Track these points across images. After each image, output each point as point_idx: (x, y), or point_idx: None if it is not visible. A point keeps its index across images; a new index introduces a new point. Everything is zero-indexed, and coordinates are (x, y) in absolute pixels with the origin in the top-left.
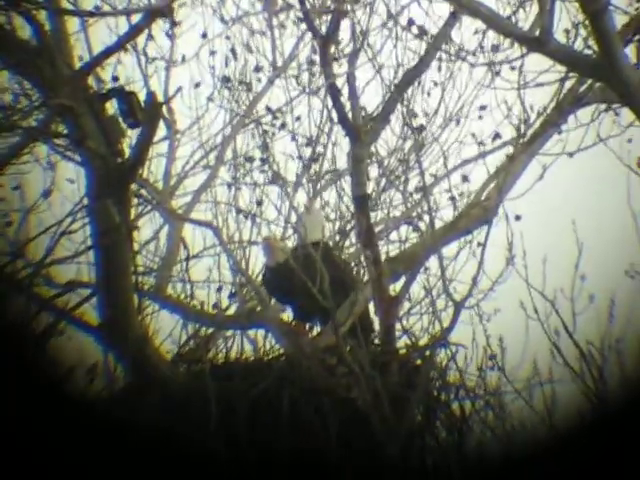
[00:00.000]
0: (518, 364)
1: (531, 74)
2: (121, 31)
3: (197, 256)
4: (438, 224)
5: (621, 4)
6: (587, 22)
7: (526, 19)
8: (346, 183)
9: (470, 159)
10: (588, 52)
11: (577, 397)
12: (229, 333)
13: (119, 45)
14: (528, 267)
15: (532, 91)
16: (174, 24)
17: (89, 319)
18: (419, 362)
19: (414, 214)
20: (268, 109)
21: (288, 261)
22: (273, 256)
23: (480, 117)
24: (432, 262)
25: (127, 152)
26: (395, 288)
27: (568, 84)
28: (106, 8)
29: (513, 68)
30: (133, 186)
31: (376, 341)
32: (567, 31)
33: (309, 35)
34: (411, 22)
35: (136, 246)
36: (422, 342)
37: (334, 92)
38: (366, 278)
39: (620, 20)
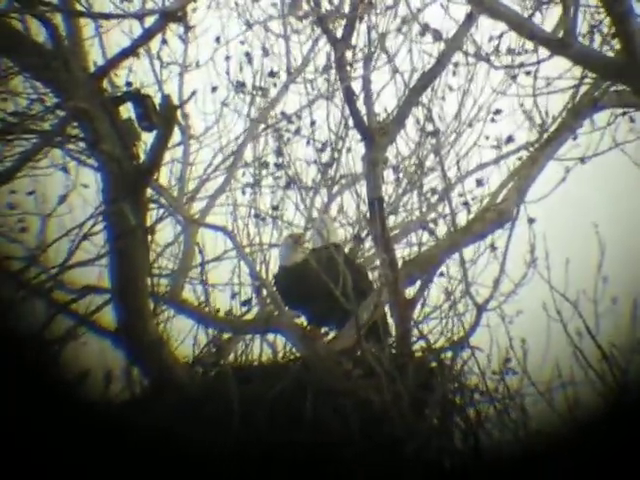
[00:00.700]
0: (540, 366)
1: (546, 80)
2: (136, 35)
3: (215, 260)
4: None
5: None
6: (611, 24)
7: (542, 22)
8: (362, 187)
9: (485, 163)
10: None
11: (599, 399)
12: (247, 337)
13: (133, 49)
14: (550, 269)
15: (547, 96)
16: (188, 28)
17: (105, 323)
18: (435, 365)
19: (429, 218)
20: (283, 114)
21: (307, 262)
22: (291, 256)
23: (493, 120)
24: (453, 266)
25: (142, 156)
26: (411, 292)
27: (583, 89)
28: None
29: (528, 73)
30: (149, 190)
31: (392, 344)
32: (591, 33)
33: (324, 39)
34: (426, 27)
35: (156, 250)
36: (442, 344)
37: (349, 95)
38: (382, 281)
39: None
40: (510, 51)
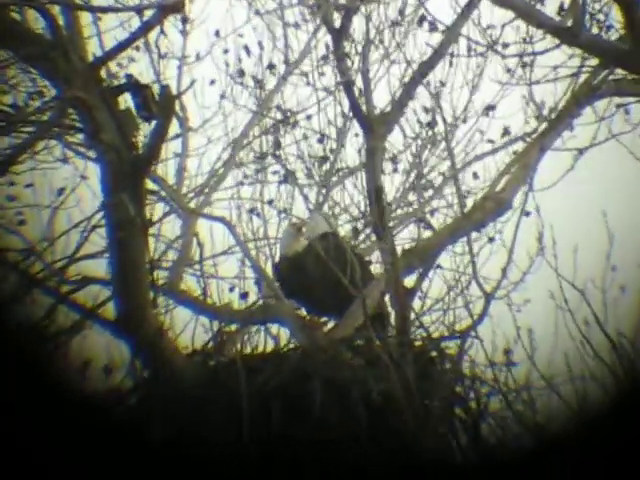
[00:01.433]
0: (547, 355)
1: (545, 69)
2: (135, 26)
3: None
4: (450, 219)
5: None
6: (618, 12)
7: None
8: (359, 179)
9: (482, 154)
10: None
11: (607, 389)
12: (249, 328)
13: (131, 40)
14: (558, 258)
15: (546, 85)
16: (186, 20)
17: (107, 314)
18: (436, 354)
19: (427, 210)
20: (279, 107)
21: (308, 251)
22: (292, 245)
23: (487, 114)
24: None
25: (141, 146)
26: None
27: (582, 78)
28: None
29: (524, 65)
30: (148, 181)
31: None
32: (598, 21)
33: (323, 31)
34: (423, 18)
35: (163, 242)
36: (443, 334)
37: (348, 85)
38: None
39: None
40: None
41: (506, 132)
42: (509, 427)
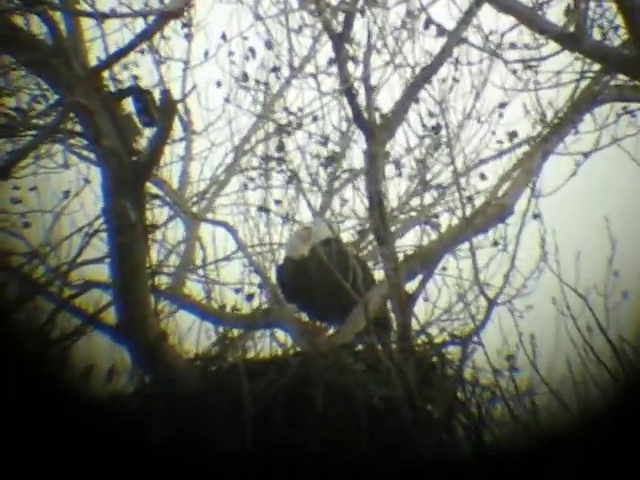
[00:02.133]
0: (550, 361)
1: (549, 74)
2: (137, 30)
3: (224, 259)
4: (452, 224)
5: None
6: (621, 18)
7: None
8: (362, 182)
9: (488, 158)
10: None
11: (610, 394)
12: (251, 333)
13: (133, 45)
14: (561, 264)
15: (549, 90)
16: (187, 25)
17: (107, 319)
18: (436, 359)
19: (431, 213)
20: (285, 109)
21: (312, 255)
22: (299, 248)
23: (501, 115)
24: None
25: (142, 151)
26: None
27: (584, 83)
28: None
29: (529, 67)
30: (151, 186)
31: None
32: (600, 27)
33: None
34: (429, 22)
35: (166, 247)
36: (445, 339)
37: (349, 91)
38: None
39: None
40: (512, 46)
41: (513, 135)
42: (511, 433)
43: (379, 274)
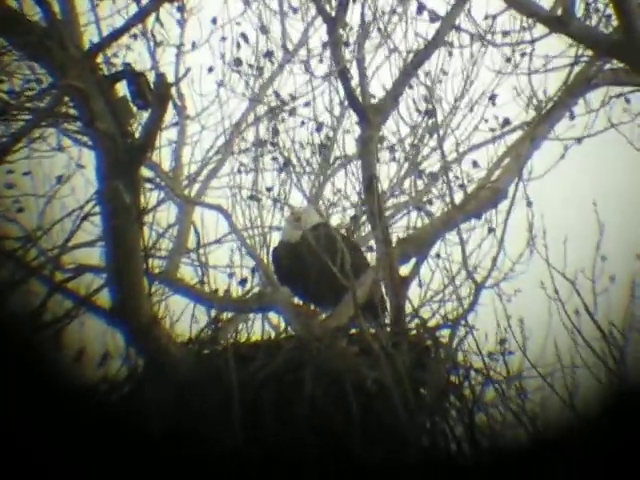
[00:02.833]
0: (538, 345)
1: (542, 59)
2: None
3: (215, 242)
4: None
5: None
6: (609, 1)
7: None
8: (357, 168)
9: (480, 144)
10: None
11: (598, 378)
12: (246, 316)
13: (127, 28)
14: (549, 248)
15: (543, 75)
16: (182, 9)
17: (100, 302)
18: (430, 343)
19: (425, 199)
20: (277, 94)
21: (305, 239)
22: (292, 233)
23: (493, 103)
24: (451, 245)
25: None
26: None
27: (578, 67)
28: None
29: (523, 54)
30: (144, 169)
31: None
32: (587, 12)
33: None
34: (422, 7)
35: (157, 231)
36: (438, 323)
37: (343, 73)
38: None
39: None
40: (505, 33)
41: (507, 122)
42: (502, 416)
43: (373, 258)
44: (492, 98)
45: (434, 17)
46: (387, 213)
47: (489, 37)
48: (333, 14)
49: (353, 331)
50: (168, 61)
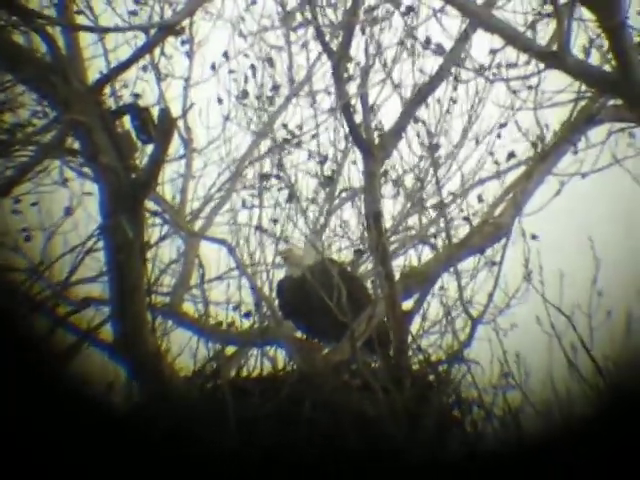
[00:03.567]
0: (535, 380)
1: (547, 94)
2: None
3: (218, 278)
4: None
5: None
6: (605, 38)
7: (536, 35)
8: (361, 201)
9: (485, 178)
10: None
11: (594, 413)
12: (247, 351)
13: (133, 60)
14: (545, 284)
15: (547, 111)
16: (187, 42)
17: (104, 336)
18: (432, 378)
19: (429, 233)
20: (284, 126)
21: (304, 276)
22: (292, 269)
23: (499, 135)
24: (450, 280)
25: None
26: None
27: (581, 103)
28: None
29: (530, 87)
30: (150, 203)
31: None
32: (584, 47)
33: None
34: (428, 40)
35: (159, 266)
36: (439, 358)
37: (347, 109)
38: (378, 294)
39: None
40: (509, 65)
41: (511, 156)
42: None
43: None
44: (501, 126)
45: (440, 51)
46: (391, 248)
47: (494, 71)
48: (336, 48)
49: (354, 366)
50: (176, 92)
